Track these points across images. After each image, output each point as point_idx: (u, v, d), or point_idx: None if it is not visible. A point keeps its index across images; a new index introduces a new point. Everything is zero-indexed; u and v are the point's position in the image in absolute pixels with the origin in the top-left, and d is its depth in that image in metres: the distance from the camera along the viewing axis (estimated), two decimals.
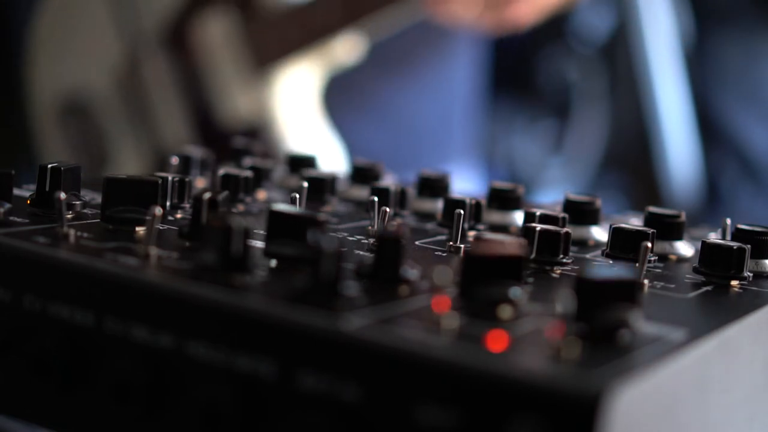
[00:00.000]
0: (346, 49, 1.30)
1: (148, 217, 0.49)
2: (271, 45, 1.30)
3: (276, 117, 1.31)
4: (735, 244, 0.56)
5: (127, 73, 1.36)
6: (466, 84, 1.50)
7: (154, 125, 1.35)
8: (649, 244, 0.53)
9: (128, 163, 1.36)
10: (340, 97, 1.36)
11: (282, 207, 0.50)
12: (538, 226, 0.54)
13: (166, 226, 0.54)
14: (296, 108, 1.32)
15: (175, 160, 0.67)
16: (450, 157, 1.45)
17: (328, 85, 1.35)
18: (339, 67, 1.33)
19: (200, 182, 0.71)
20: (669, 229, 0.62)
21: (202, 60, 1.33)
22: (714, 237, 0.65)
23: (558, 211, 0.61)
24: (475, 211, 0.63)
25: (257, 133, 1.28)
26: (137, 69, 1.35)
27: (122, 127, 1.38)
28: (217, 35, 1.31)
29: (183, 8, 1.33)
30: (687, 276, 0.57)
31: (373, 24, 1.27)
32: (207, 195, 0.50)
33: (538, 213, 0.59)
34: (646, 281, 0.53)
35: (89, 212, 0.56)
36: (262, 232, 0.49)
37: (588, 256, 0.61)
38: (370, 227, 0.58)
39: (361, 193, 0.70)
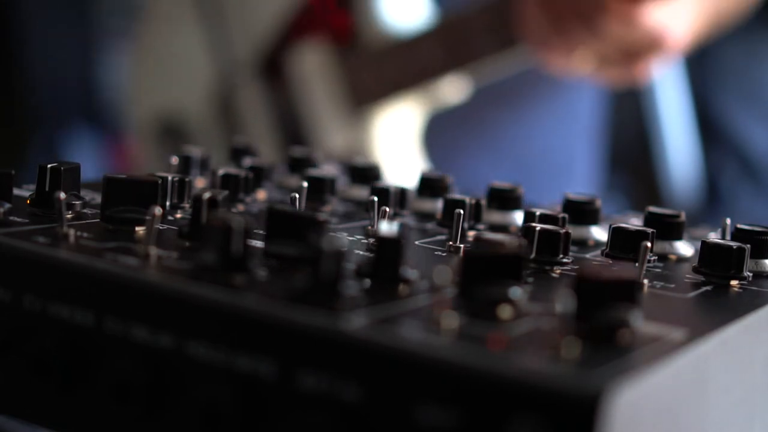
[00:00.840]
0: (451, 90, 1.24)
1: (148, 217, 0.49)
2: (369, 84, 1.25)
3: (373, 156, 1.25)
4: (735, 244, 0.56)
5: (222, 101, 1.34)
6: (584, 116, 1.41)
7: None
8: (649, 244, 0.53)
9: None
10: (448, 134, 1.30)
11: (282, 207, 0.50)
12: (538, 226, 0.54)
13: (166, 226, 0.54)
14: (395, 147, 1.28)
15: (175, 160, 0.67)
16: (575, 182, 1.37)
17: (431, 121, 1.29)
18: (443, 107, 1.27)
19: (200, 182, 0.71)
20: (669, 229, 0.62)
21: (297, 93, 1.29)
22: (714, 237, 0.65)
23: (558, 211, 0.61)
24: (475, 211, 0.63)
25: None
26: (232, 97, 1.33)
27: (215, 155, 1.36)
28: (312, 69, 1.27)
29: (279, 38, 1.30)
30: (687, 276, 0.57)
31: (478, 70, 1.20)
32: (207, 195, 0.50)
33: (538, 213, 0.59)
34: (645, 281, 0.53)
35: (89, 212, 0.56)
36: (262, 232, 0.49)
37: (588, 256, 0.61)
38: (370, 227, 0.58)
39: (361, 193, 0.70)
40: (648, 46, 1.10)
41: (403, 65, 1.23)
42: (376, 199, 0.57)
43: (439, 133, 1.30)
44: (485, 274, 0.43)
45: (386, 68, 1.24)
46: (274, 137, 1.31)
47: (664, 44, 1.10)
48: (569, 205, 0.65)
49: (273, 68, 1.31)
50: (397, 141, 1.28)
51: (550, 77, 1.29)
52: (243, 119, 1.32)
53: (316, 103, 1.28)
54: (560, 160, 1.40)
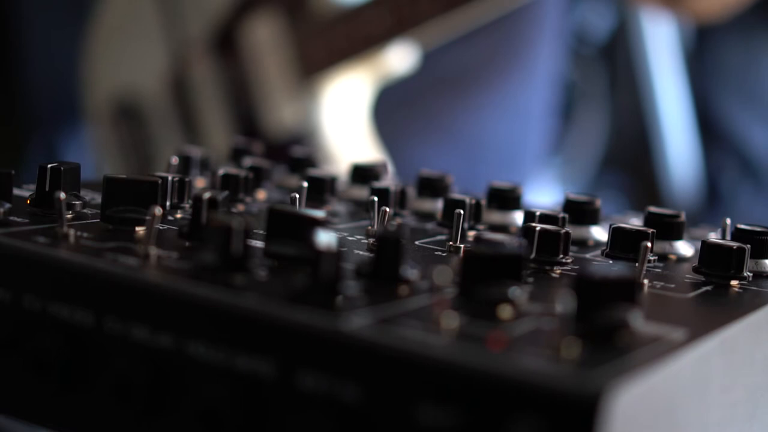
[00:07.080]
0: (398, 59, 1.24)
1: (148, 217, 0.49)
2: (318, 53, 1.25)
3: (322, 128, 1.26)
4: (735, 244, 0.56)
5: (175, 78, 1.35)
6: (540, 94, 1.41)
7: (200, 131, 1.34)
8: (649, 244, 0.53)
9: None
10: (398, 116, 1.31)
11: (283, 207, 0.50)
12: (538, 226, 0.54)
13: (166, 226, 0.54)
14: (344, 119, 1.28)
15: (175, 160, 0.67)
16: (521, 172, 1.37)
17: (381, 97, 1.29)
18: (390, 77, 1.27)
19: (200, 182, 0.71)
20: (669, 229, 0.62)
21: (249, 66, 1.30)
22: (714, 237, 0.65)
23: (558, 211, 0.61)
24: (475, 211, 0.63)
25: (302, 144, 1.22)
26: (185, 74, 1.34)
27: (169, 131, 1.37)
28: (264, 41, 1.28)
29: (232, 12, 1.30)
30: (687, 276, 0.57)
31: (425, 34, 1.20)
32: (207, 195, 0.50)
33: (538, 213, 0.59)
34: (646, 281, 0.53)
35: (89, 212, 0.56)
36: (262, 232, 0.49)
37: (588, 256, 0.61)
38: (370, 227, 0.58)
39: (361, 193, 0.70)
40: None
41: (350, 33, 1.23)
42: (376, 199, 0.57)
43: (389, 114, 1.30)
44: (485, 274, 0.43)
45: (334, 36, 1.24)
46: (226, 115, 1.32)
47: None
48: (569, 205, 0.65)
49: (226, 43, 1.32)
50: (346, 115, 1.28)
51: (503, 66, 1.30)
52: (196, 97, 1.33)
53: (267, 75, 1.29)
54: (509, 150, 1.40)
